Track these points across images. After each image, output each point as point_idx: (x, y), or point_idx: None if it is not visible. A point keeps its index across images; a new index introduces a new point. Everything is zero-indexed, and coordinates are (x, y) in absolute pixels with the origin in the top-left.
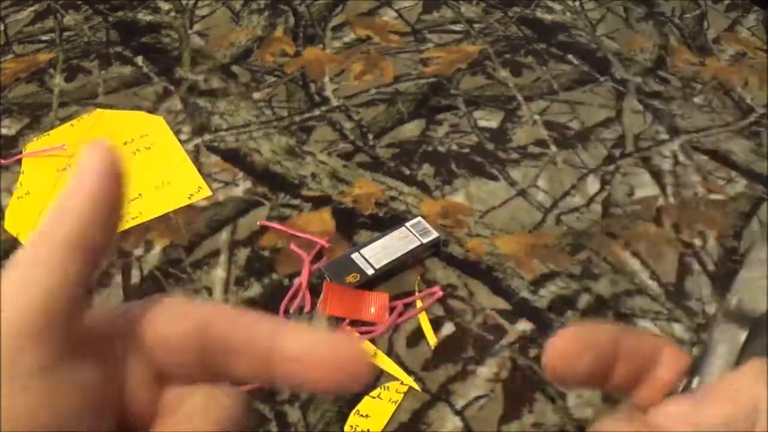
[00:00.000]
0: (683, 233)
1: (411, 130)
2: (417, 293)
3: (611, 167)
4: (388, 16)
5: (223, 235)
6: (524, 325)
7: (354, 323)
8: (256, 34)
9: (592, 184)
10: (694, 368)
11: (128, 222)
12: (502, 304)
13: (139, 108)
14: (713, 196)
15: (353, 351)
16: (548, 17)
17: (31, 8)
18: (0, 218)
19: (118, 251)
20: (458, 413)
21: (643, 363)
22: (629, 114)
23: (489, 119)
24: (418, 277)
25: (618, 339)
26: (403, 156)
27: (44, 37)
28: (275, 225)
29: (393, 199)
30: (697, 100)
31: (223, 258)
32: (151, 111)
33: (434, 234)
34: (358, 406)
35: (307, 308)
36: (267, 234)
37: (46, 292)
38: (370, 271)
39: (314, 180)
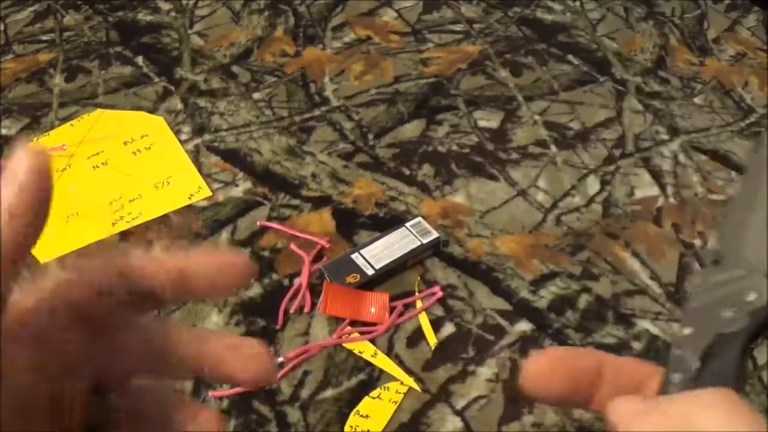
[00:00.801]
0: (683, 233)
1: (411, 130)
2: (417, 293)
3: (611, 167)
4: (388, 16)
5: (223, 236)
6: (524, 326)
7: (354, 323)
8: (256, 34)
9: (592, 184)
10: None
11: (128, 222)
12: (502, 304)
13: (139, 108)
14: (713, 196)
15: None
16: (548, 17)
17: (31, 8)
18: None
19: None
20: (458, 413)
21: (629, 385)
22: (629, 114)
23: (489, 119)
24: (418, 278)
25: (600, 362)
26: (403, 156)
27: (44, 37)
28: (275, 225)
29: (393, 199)
30: (697, 100)
31: None
32: (151, 111)
33: (434, 234)
34: (358, 407)
35: (307, 308)
36: (267, 234)
37: None
38: (370, 272)
39: (314, 180)
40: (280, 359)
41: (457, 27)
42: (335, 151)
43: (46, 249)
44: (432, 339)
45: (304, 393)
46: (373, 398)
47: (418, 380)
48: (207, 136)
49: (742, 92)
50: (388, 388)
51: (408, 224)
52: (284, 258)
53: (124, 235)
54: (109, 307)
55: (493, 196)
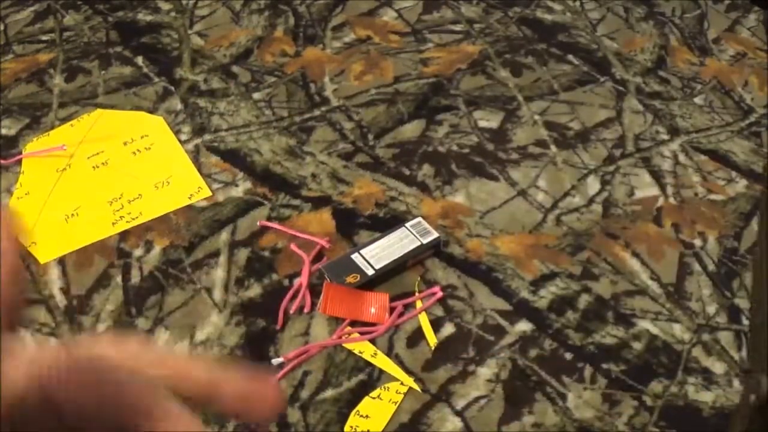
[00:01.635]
0: (683, 233)
1: (411, 130)
2: (417, 293)
3: (611, 167)
4: (388, 16)
5: (223, 236)
6: (524, 326)
7: (354, 323)
8: (256, 34)
9: (592, 184)
10: None
11: (128, 222)
12: (502, 304)
13: (139, 108)
14: (713, 196)
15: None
16: (548, 17)
17: (31, 8)
18: None
19: (118, 251)
20: (458, 414)
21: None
22: (629, 114)
23: (489, 119)
24: (418, 278)
25: None
26: (403, 156)
27: (44, 37)
28: (275, 225)
29: (393, 199)
30: (697, 100)
31: (223, 258)
32: (151, 111)
33: (434, 234)
34: (358, 407)
35: (307, 308)
36: (267, 234)
37: None
38: (370, 272)
39: (314, 180)
40: (280, 359)
41: (457, 27)
42: (335, 151)
43: (47, 249)
44: (432, 339)
45: (304, 393)
46: (373, 398)
47: (418, 380)
48: (207, 136)
49: (742, 92)
50: (388, 388)
51: (408, 224)
52: (284, 258)
53: (124, 235)
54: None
55: (493, 196)
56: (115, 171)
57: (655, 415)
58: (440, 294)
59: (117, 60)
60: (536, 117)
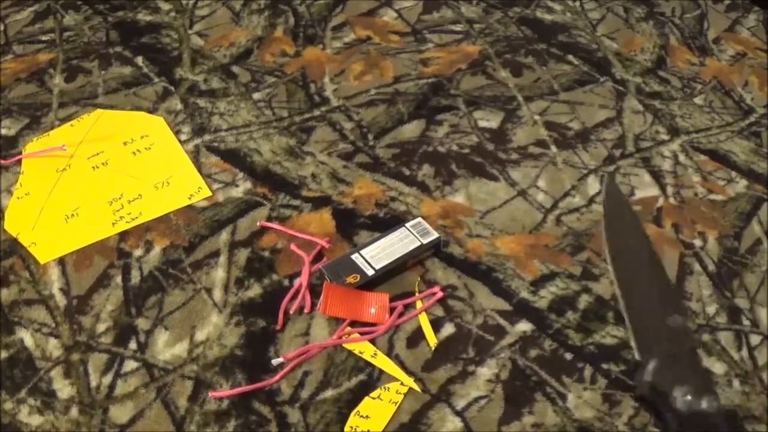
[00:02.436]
0: (683, 233)
1: (411, 130)
2: (417, 294)
3: (611, 168)
4: (388, 16)
5: (223, 236)
6: (524, 326)
7: (354, 324)
8: (256, 34)
9: (592, 185)
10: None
11: (128, 222)
12: (502, 304)
13: (139, 108)
14: (713, 196)
15: None
16: (548, 17)
17: (31, 8)
18: (0, 218)
19: (118, 251)
20: (458, 414)
21: None
22: (629, 114)
23: (489, 119)
24: (418, 278)
25: None
26: (403, 156)
27: (44, 37)
28: (275, 225)
29: (393, 199)
30: (697, 100)
31: (223, 258)
32: (151, 111)
33: (434, 234)
34: (358, 407)
35: (307, 309)
36: (267, 234)
37: None
38: (370, 272)
39: (314, 180)
40: (280, 359)
41: (457, 27)
42: (335, 151)
43: (47, 249)
44: (432, 339)
45: (304, 393)
46: (373, 398)
47: (418, 380)
48: (207, 136)
49: (742, 92)
50: (388, 388)
51: (408, 224)
52: (284, 258)
53: (124, 235)
54: None
55: (493, 196)
56: (115, 171)
57: (655, 415)
58: (440, 294)
59: (117, 60)
60: (536, 117)
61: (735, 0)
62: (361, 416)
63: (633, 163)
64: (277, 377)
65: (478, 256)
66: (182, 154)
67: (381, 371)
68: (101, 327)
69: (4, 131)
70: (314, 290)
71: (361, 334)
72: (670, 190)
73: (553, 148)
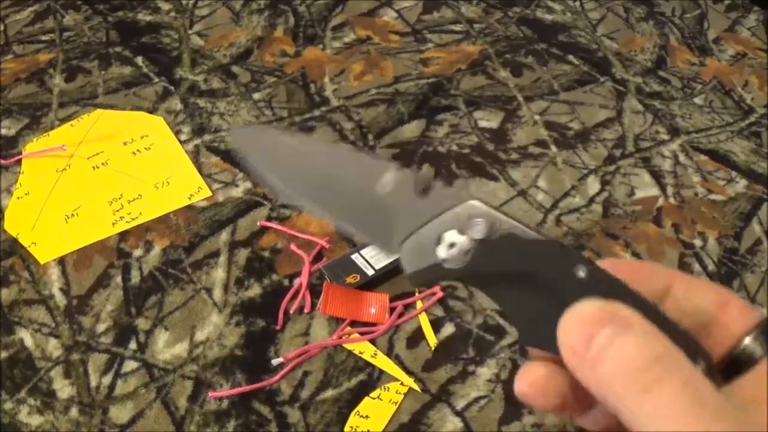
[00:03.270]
0: (683, 233)
1: (411, 130)
2: (417, 294)
3: (611, 167)
4: (388, 16)
5: (223, 236)
6: None
7: (354, 324)
8: (256, 34)
9: (592, 185)
10: None
11: (128, 222)
12: None
13: (139, 108)
14: (713, 196)
15: None
16: (548, 17)
17: (31, 8)
18: (0, 218)
19: (118, 251)
20: (458, 414)
21: None
22: (629, 114)
23: (489, 119)
24: None
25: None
26: (403, 156)
27: (44, 37)
28: (275, 225)
29: None
30: (697, 100)
31: (223, 258)
32: (151, 111)
33: None
34: (358, 407)
35: (307, 309)
36: (267, 234)
37: None
38: (370, 272)
39: None
40: (280, 359)
41: (457, 27)
42: None
43: (46, 249)
44: (432, 339)
45: (304, 393)
46: (373, 398)
47: (418, 380)
48: (207, 137)
49: (742, 92)
50: (388, 388)
51: None
52: (284, 258)
53: (124, 235)
54: None
55: (493, 196)
56: (114, 171)
57: None
58: (440, 294)
59: (117, 60)
60: (536, 117)
61: (735, 0)
62: (361, 416)
63: (633, 163)
64: (277, 377)
65: None
66: (182, 154)
67: (381, 371)
68: (101, 327)
69: (4, 131)
70: (314, 290)
71: (361, 334)
72: (670, 190)
73: (553, 148)
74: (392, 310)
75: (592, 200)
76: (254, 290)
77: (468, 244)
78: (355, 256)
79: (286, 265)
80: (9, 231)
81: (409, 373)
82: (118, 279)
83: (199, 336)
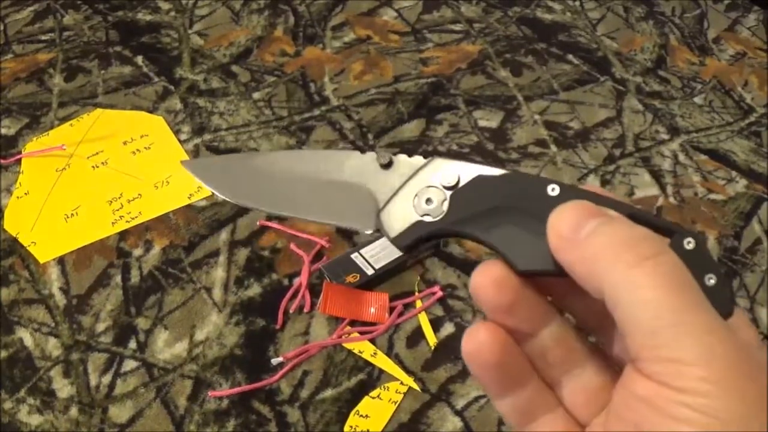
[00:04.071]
0: None
1: (411, 130)
2: (417, 293)
3: (611, 167)
4: (388, 16)
5: (223, 235)
6: None
7: (354, 323)
8: (256, 34)
9: (593, 184)
10: None
11: (128, 222)
12: None
13: (138, 108)
14: (713, 196)
15: None
16: (548, 17)
17: (31, 8)
18: (0, 218)
19: (118, 251)
20: (458, 413)
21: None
22: (629, 114)
23: (489, 119)
24: (418, 277)
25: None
26: None
27: (44, 37)
28: (275, 225)
29: None
30: (697, 100)
31: (222, 258)
32: (151, 111)
33: None
34: (358, 407)
35: (306, 308)
36: (267, 234)
37: None
38: (369, 271)
39: None
40: (280, 359)
41: (457, 27)
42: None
43: (46, 249)
44: (432, 339)
45: (304, 393)
46: (373, 398)
47: (418, 380)
48: (207, 136)
49: (742, 92)
50: (388, 388)
51: None
52: (284, 258)
53: (124, 235)
54: None
55: None
56: (114, 170)
57: None
58: (440, 294)
59: (117, 60)
60: (536, 116)
61: (735, 0)
62: (361, 416)
63: (633, 163)
64: (276, 377)
65: (478, 256)
66: (182, 154)
67: (381, 371)
68: (101, 326)
69: (3, 131)
70: (314, 290)
71: (361, 333)
72: (669, 189)
73: (553, 148)
74: (392, 309)
75: None
76: (254, 290)
77: (443, 195)
78: (354, 256)
79: (286, 264)
80: (9, 230)
81: (409, 372)
82: (118, 278)
83: (199, 335)
